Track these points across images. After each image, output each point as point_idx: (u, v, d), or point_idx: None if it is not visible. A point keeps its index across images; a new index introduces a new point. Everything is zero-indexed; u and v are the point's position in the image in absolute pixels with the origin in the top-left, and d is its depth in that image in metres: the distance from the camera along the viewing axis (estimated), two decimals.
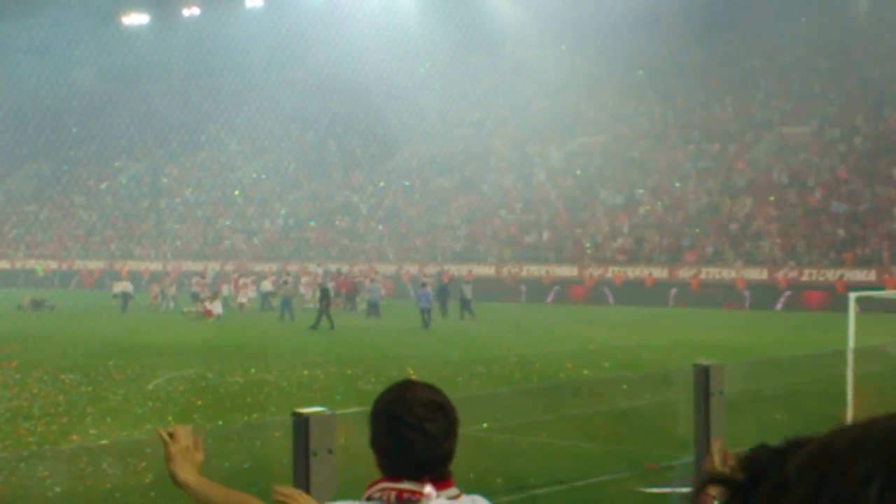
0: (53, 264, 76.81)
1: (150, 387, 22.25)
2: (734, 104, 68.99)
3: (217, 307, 45.33)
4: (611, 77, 73.28)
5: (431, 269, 58.20)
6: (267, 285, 52.48)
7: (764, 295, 50.80)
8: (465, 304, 44.07)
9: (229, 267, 66.81)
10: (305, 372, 24.60)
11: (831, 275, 50.65)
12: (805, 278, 51.52)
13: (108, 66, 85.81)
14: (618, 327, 38.05)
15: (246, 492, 3.48)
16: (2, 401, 20.15)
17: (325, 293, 39.97)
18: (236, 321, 43.04)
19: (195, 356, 28.47)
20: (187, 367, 25.71)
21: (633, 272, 56.39)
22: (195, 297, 49.44)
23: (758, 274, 52.97)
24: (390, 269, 63.03)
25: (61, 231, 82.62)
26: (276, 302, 48.14)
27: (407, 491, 2.89)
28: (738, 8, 73.22)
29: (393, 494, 2.89)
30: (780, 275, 52.12)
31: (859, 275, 49.41)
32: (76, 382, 22.91)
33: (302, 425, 4.86)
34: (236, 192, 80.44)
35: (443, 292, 45.73)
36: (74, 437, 16.35)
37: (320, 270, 57.60)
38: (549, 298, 56.47)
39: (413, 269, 61.93)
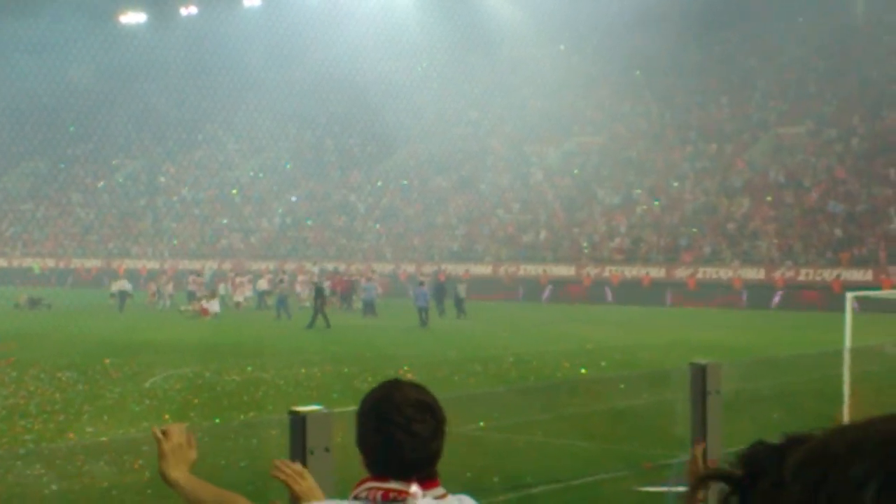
0: (50, 262, 76.81)
1: (146, 385, 22.24)
2: (731, 104, 69.03)
3: (214, 306, 45.34)
4: (608, 77, 73.27)
5: (429, 269, 58.25)
6: (263, 284, 52.50)
7: (761, 294, 50.85)
8: (458, 302, 44.41)
9: (226, 266, 66.77)
10: (302, 370, 24.60)
11: (828, 275, 50.71)
12: (802, 278, 51.59)
13: (106, 64, 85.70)
14: (615, 327, 38.07)
15: (242, 490, 3.48)
16: None
17: (319, 292, 40.03)
18: (233, 320, 43.04)
19: (192, 354, 28.47)
20: (184, 366, 25.70)
21: (631, 272, 56.43)
22: (192, 296, 49.43)
23: (755, 274, 53.02)
24: (388, 268, 63.06)
25: (58, 229, 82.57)
26: (272, 300, 48.15)
27: (393, 490, 2.88)
28: (735, 8, 73.24)
29: (379, 494, 2.88)
30: (777, 275, 52.17)
31: (856, 275, 49.46)
32: (73, 380, 22.90)
33: (299, 423, 4.85)
34: (234, 191, 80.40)
35: (439, 291, 46.33)
36: (71, 435, 16.34)
37: (316, 269, 57.59)
38: (546, 298, 56.50)
39: (410, 269, 61.93)
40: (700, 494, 1.31)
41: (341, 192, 75.90)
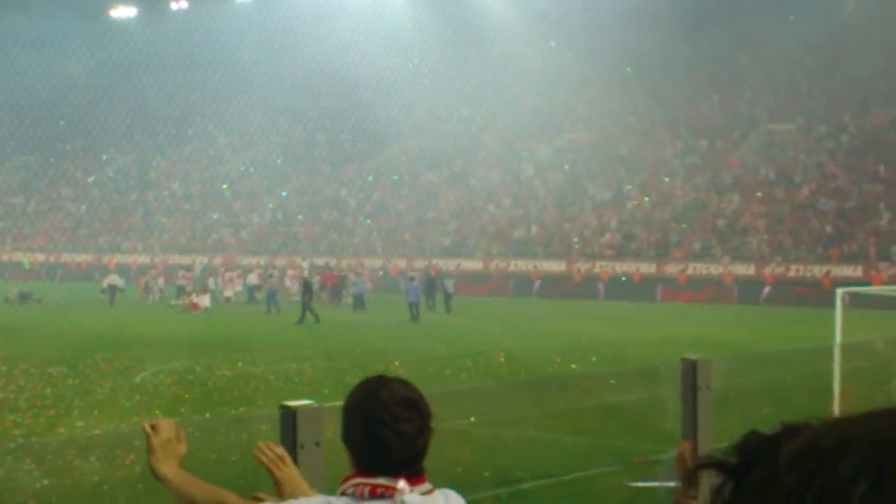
0: (40, 257, 76.62)
1: (137, 379, 22.22)
2: (722, 101, 69.10)
3: (205, 300, 45.30)
4: (599, 74, 73.28)
5: (419, 264, 58.25)
6: (253, 279, 52.49)
7: (751, 290, 50.93)
8: (446, 298, 44.64)
9: (217, 260, 66.70)
10: (293, 365, 24.60)
11: (818, 271, 50.82)
12: (792, 274, 51.69)
13: (96, 59, 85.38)
14: (606, 322, 38.10)
15: (233, 484, 3.48)
16: None
17: (307, 287, 40.11)
18: (223, 315, 43.00)
19: (182, 349, 28.45)
20: (175, 361, 25.68)
21: (621, 267, 56.48)
22: (181, 291, 49.38)
23: (745, 269, 53.11)
24: (378, 263, 63.06)
25: (48, 224, 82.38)
26: (261, 295, 48.12)
27: (381, 486, 2.88)
28: (725, 5, 73.27)
29: (367, 490, 2.89)
30: (767, 270, 52.28)
31: (846, 271, 49.58)
32: (63, 375, 22.86)
33: (289, 418, 4.86)
34: (224, 186, 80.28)
35: (430, 286, 46.55)
36: (61, 430, 16.32)
37: (306, 264, 57.57)
38: (537, 293, 56.52)
39: (401, 264, 61.94)
40: (692, 492, 1.31)
41: (332, 187, 75.84)
